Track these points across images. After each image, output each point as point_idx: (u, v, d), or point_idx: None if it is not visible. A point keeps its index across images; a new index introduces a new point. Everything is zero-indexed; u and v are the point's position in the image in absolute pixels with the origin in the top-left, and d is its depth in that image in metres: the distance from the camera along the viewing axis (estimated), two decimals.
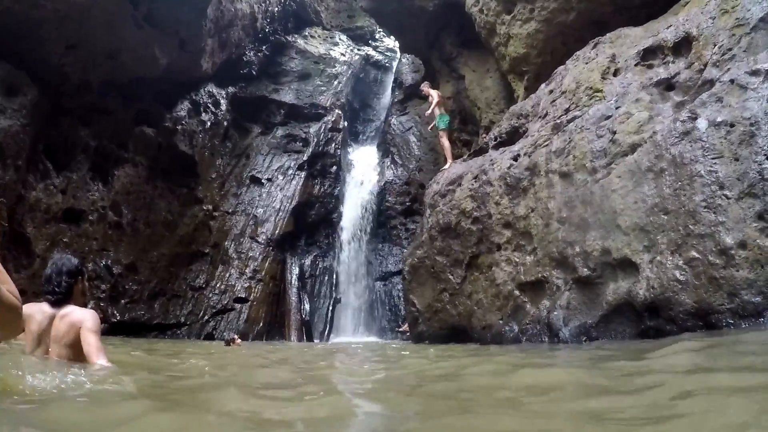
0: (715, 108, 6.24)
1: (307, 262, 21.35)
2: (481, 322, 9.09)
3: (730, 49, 6.53)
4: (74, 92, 16.12)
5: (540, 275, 8.00)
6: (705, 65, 6.73)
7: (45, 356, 5.18)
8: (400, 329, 17.37)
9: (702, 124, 6.24)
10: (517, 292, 8.42)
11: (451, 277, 9.91)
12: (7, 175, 13.92)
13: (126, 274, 17.64)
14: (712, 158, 6.03)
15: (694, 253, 5.90)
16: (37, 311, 5.28)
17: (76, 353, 5.17)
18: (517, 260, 8.51)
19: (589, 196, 7.36)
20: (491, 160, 9.69)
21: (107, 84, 16.79)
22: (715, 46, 6.72)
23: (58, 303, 5.32)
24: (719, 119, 6.11)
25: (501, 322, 8.60)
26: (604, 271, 6.99)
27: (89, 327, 5.19)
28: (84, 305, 5.52)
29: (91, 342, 5.15)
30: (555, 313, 7.55)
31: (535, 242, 8.21)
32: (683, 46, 7.28)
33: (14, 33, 13.77)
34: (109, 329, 16.17)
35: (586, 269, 7.19)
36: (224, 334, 17.28)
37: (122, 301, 17.44)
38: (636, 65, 7.80)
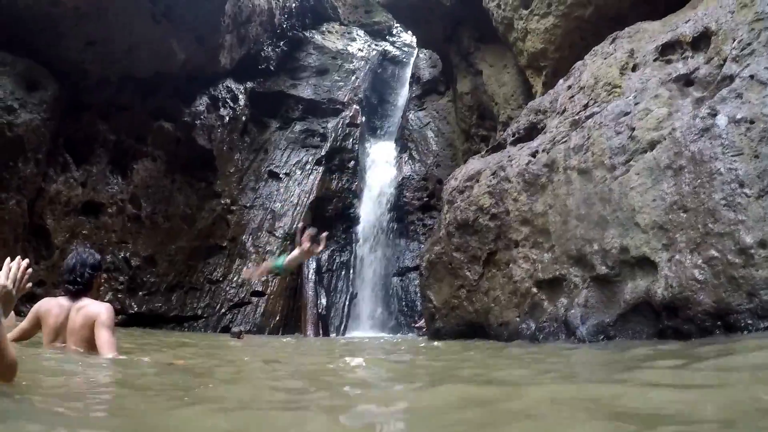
0: (734, 104, 6.17)
1: (324, 256, 21.38)
2: (498, 319, 9.06)
3: (749, 44, 6.44)
4: (93, 87, 16.26)
5: (558, 273, 7.95)
6: (724, 60, 6.65)
7: (62, 347, 5.29)
8: (416, 325, 17.38)
9: (722, 120, 6.17)
10: (534, 290, 8.37)
11: (468, 273, 9.88)
12: (28, 168, 14.08)
13: (144, 267, 17.80)
14: (732, 156, 5.96)
15: (713, 252, 5.83)
16: (54, 305, 5.40)
17: (91, 345, 5.27)
18: (535, 257, 8.46)
19: (608, 194, 7.30)
20: (509, 156, 9.64)
21: (126, 79, 16.91)
22: (734, 40, 6.63)
23: (77, 293, 5.42)
24: (739, 116, 6.04)
25: (518, 319, 8.56)
26: (623, 270, 6.93)
27: (103, 321, 5.30)
28: (97, 299, 5.62)
29: (103, 337, 5.25)
30: (572, 311, 7.50)
31: (553, 239, 8.16)
32: (702, 40, 7.19)
33: (34, 29, 13.90)
34: (127, 321, 16.35)
35: (604, 267, 7.14)
36: (231, 326, 17.16)
37: (140, 293, 17.60)
38: (654, 60, 7.71)
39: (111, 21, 14.80)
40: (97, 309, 5.34)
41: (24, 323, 5.60)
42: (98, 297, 5.70)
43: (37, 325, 5.47)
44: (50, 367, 4.44)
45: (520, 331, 8.44)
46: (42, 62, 14.29)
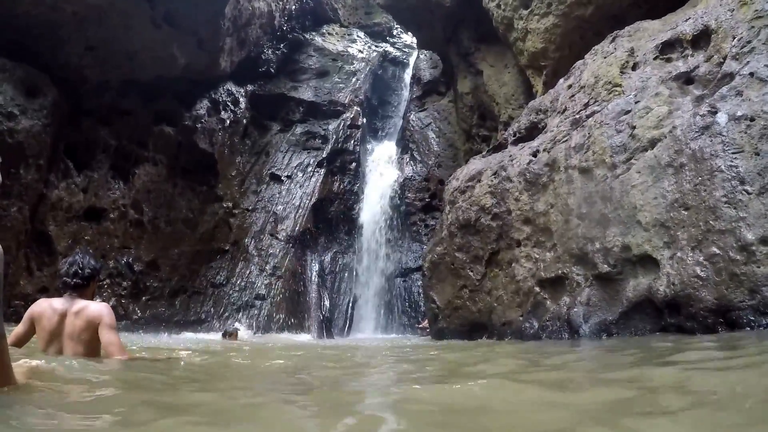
0: (734, 102, 6.18)
1: (327, 258, 21.37)
2: (501, 318, 9.07)
3: (749, 42, 6.45)
4: (94, 93, 16.27)
5: (560, 271, 7.96)
6: (724, 58, 6.66)
7: (59, 353, 5.12)
8: (420, 326, 17.37)
9: (722, 118, 6.19)
10: (537, 289, 8.38)
11: (471, 273, 9.89)
12: (29, 174, 14.09)
13: (147, 272, 17.79)
14: (733, 153, 5.97)
15: (714, 249, 5.85)
16: (47, 308, 5.20)
17: (92, 349, 5.14)
18: (537, 256, 8.48)
19: (609, 192, 7.32)
20: (510, 156, 9.65)
21: (126, 84, 16.93)
22: (734, 38, 6.64)
23: (75, 289, 5.27)
24: (739, 113, 6.05)
25: (521, 318, 8.57)
26: (624, 268, 6.95)
27: (108, 323, 5.18)
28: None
29: (112, 341, 5.16)
30: (575, 309, 7.51)
31: (554, 238, 8.17)
32: (702, 38, 7.21)
33: (34, 35, 13.92)
34: (130, 326, 16.34)
35: (606, 265, 7.15)
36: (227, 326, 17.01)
37: (143, 298, 17.59)
38: (655, 59, 7.73)
39: (111, 26, 14.82)
40: (98, 311, 5.17)
41: (19, 327, 5.38)
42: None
43: (32, 328, 5.31)
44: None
45: (523, 330, 8.45)
46: (42, 68, 14.30)
